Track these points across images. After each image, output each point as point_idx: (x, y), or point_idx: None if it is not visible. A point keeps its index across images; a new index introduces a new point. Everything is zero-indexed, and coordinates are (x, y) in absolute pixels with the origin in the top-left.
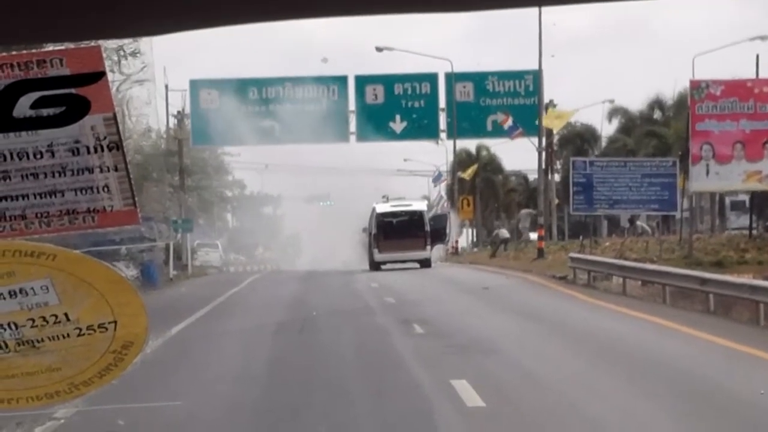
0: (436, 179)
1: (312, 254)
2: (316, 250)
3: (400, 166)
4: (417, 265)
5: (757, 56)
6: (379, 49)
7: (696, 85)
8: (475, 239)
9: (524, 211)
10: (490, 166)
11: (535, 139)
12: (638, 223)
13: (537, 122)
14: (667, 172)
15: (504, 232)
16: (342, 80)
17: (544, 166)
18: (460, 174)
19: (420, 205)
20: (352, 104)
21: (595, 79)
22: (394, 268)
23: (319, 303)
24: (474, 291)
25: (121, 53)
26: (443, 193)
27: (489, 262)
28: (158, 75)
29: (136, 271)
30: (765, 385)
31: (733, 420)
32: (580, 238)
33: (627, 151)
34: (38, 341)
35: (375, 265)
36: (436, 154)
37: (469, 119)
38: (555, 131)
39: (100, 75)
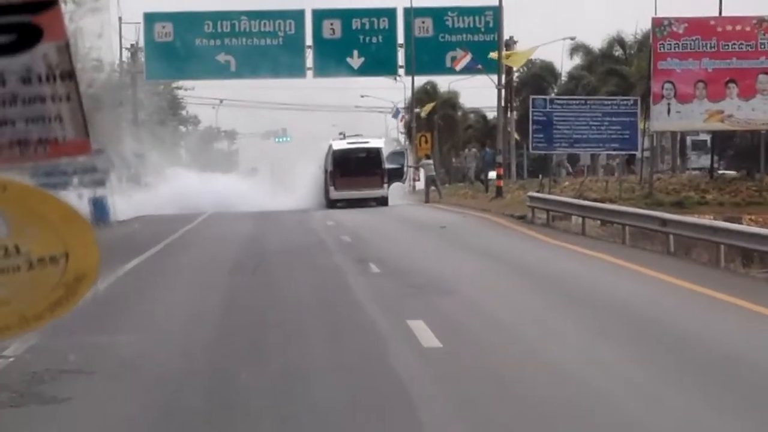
0: (395, 115)
1: (268, 190)
2: (272, 187)
3: (358, 103)
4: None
5: None
6: None
7: (659, 23)
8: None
9: (467, 151)
10: (448, 103)
11: (495, 76)
12: (566, 162)
13: (497, 59)
14: (629, 111)
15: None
16: (299, 14)
17: (503, 104)
18: (417, 111)
19: (377, 143)
20: (309, 39)
21: (557, 15)
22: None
23: (274, 241)
24: (431, 230)
25: None
26: (402, 129)
27: (446, 201)
28: (112, 7)
29: (89, 206)
30: (723, 326)
31: (690, 360)
32: (539, 177)
33: (588, 90)
34: None
35: (331, 203)
36: (395, 90)
37: (428, 55)
38: (515, 69)
39: (53, 2)
